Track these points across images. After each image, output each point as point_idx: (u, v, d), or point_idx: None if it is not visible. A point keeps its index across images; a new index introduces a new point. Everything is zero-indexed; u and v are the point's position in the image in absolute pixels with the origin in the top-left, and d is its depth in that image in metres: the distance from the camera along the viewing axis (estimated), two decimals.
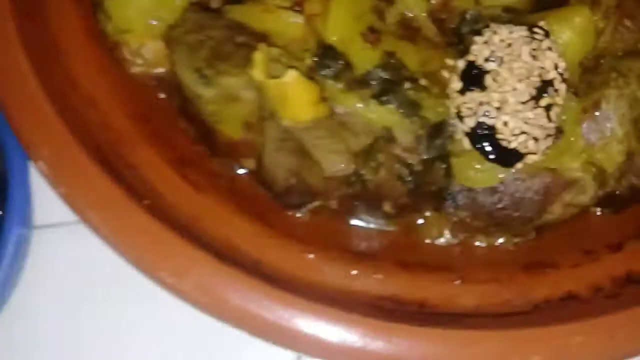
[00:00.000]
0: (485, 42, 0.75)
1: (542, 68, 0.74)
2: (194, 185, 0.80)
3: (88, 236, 0.74)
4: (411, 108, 0.76)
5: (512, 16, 0.79)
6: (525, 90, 0.73)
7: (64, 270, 0.84)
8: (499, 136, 0.73)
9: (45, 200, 0.81)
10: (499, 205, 0.79)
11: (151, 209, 0.75)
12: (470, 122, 0.74)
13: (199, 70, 0.76)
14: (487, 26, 0.76)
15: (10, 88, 0.77)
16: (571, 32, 0.77)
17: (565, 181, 0.78)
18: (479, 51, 0.74)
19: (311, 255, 0.79)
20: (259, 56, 0.73)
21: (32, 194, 0.82)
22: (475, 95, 0.74)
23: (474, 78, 0.74)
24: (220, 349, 0.81)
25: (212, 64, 0.76)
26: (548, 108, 0.74)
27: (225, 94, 0.76)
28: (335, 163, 0.76)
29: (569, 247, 0.81)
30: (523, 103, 0.73)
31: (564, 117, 0.77)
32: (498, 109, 0.73)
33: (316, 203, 0.81)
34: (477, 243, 0.82)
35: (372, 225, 0.83)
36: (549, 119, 0.74)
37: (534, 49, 0.74)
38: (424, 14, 0.80)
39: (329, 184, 0.78)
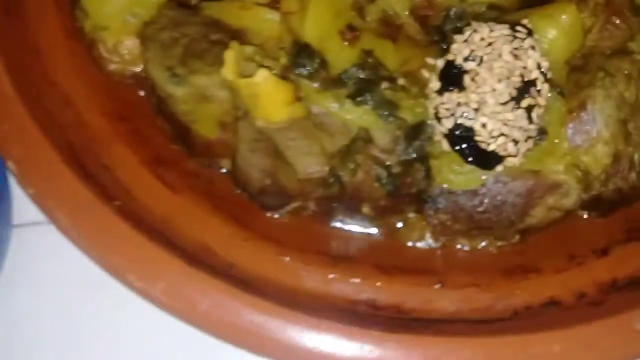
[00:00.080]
0: (465, 41, 0.72)
1: (524, 68, 0.71)
2: (169, 186, 0.79)
3: None
4: (388, 108, 0.74)
5: (497, 13, 0.77)
6: (505, 90, 0.71)
7: (44, 269, 0.83)
8: (477, 138, 0.71)
9: (24, 198, 0.80)
10: (480, 209, 0.76)
11: (122, 210, 0.74)
12: (448, 124, 0.72)
13: (170, 68, 0.75)
14: (468, 24, 0.73)
15: None
16: (557, 30, 0.74)
17: (549, 184, 0.76)
18: (458, 50, 0.72)
19: (287, 258, 0.77)
20: (230, 55, 0.71)
21: (11, 193, 0.82)
22: (453, 96, 0.71)
23: (452, 78, 0.72)
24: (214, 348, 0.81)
25: (185, 62, 0.75)
26: (529, 109, 0.72)
27: (198, 93, 0.75)
28: (309, 165, 0.74)
29: (553, 252, 0.79)
30: (503, 104, 0.71)
31: (547, 118, 0.74)
32: (476, 110, 0.71)
33: (294, 204, 0.80)
34: (458, 246, 0.80)
35: (352, 228, 0.81)
36: (530, 120, 0.72)
37: (515, 48, 0.71)
38: (406, 12, 0.78)
39: (304, 185, 0.77)
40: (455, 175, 0.75)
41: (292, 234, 0.80)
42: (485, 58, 0.71)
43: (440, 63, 0.73)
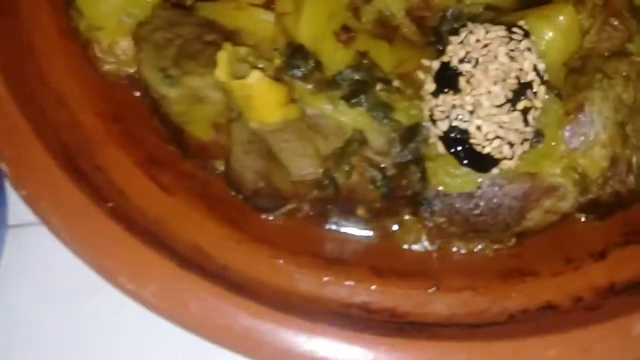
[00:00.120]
0: (461, 43, 0.71)
1: (520, 69, 0.71)
2: (163, 187, 0.78)
3: None
4: (383, 110, 0.73)
5: (494, 14, 0.76)
6: (501, 93, 0.70)
7: (39, 269, 0.83)
8: (472, 141, 0.70)
9: (20, 199, 0.81)
10: (476, 211, 0.76)
11: (115, 212, 0.74)
12: (442, 126, 0.71)
13: (163, 69, 0.74)
14: (464, 25, 0.73)
15: None
16: (554, 31, 0.73)
17: (545, 187, 0.75)
18: (454, 52, 0.71)
19: (281, 261, 0.77)
20: (223, 56, 0.70)
21: (7, 193, 0.82)
22: (448, 98, 0.71)
23: (447, 80, 0.71)
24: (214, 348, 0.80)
25: (178, 63, 0.74)
26: (525, 111, 0.71)
27: (191, 95, 0.74)
28: (303, 167, 0.74)
29: (550, 255, 0.78)
30: (498, 106, 0.70)
31: (544, 120, 0.73)
32: (471, 112, 0.70)
33: (289, 206, 0.79)
34: (454, 249, 0.79)
35: (347, 230, 0.80)
36: (526, 122, 0.71)
37: (511, 50, 0.71)
38: (402, 12, 0.77)
39: (298, 187, 0.76)
40: (450, 178, 0.74)
41: (286, 236, 0.79)
42: (480, 60, 0.70)
43: (435, 65, 0.72)
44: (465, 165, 0.72)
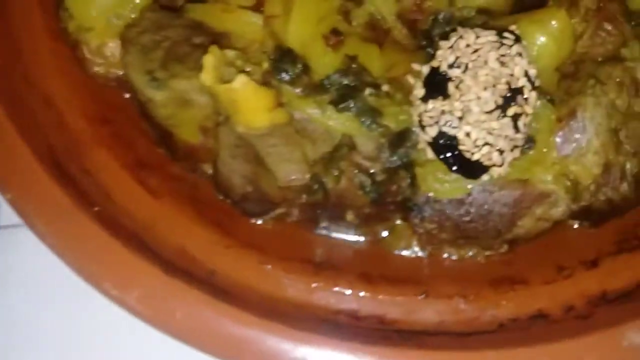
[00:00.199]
0: (451, 47, 0.70)
1: (511, 75, 0.69)
2: (150, 191, 0.78)
3: None
4: (371, 115, 0.72)
5: (486, 18, 0.75)
6: (491, 98, 0.69)
7: (32, 269, 0.83)
8: (461, 147, 0.69)
9: None
10: (466, 218, 0.75)
11: (101, 216, 0.73)
12: (431, 132, 0.70)
13: (150, 72, 0.73)
14: (455, 30, 0.72)
15: None
16: (546, 36, 0.72)
17: (537, 194, 0.74)
18: (443, 57, 0.70)
19: (269, 266, 0.76)
20: (209, 59, 0.70)
21: None
22: (437, 104, 0.70)
23: (436, 85, 0.70)
24: None
25: (165, 66, 0.74)
26: (516, 118, 0.70)
27: (178, 98, 0.74)
28: (290, 172, 0.73)
29: (542, 263, 0.77)
30: (488, 112, 0.69)
31: (536, 126, 0.72)
32: (460, 118, 0.69)
33: (278, 211, 0.78)
34: (445, 255, 0.78)
35: (337, 235, 0.79)
36: (517, 129, 0.70)
37: (502, 55, 0.69)
38: (394, 16, 0.76)
39: (286, 192, 0.75)
40: (440, 184, 0.73)
41: (275, 240, 0.78)
42: (470, 65, 0.69)
43: (425, 69, 0.71)
44: (455, 171, 0.71)
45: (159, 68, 0.73)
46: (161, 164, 0.80)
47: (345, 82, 0.72)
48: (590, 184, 0.74)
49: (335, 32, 0.74)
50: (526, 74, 0.70)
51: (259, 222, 0.79)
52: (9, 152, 0.73)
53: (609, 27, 0.73)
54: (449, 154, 0.70)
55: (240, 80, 0.69)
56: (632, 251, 0.76)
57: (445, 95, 0.69)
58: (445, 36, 0.72)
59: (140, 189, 0.77)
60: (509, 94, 0.69)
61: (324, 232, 0.79)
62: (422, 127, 0.71)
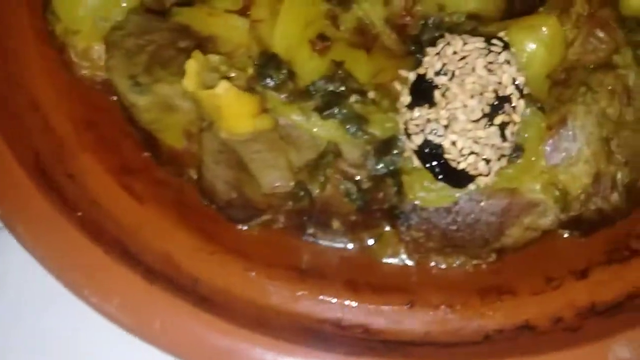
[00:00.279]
0: (438, 54, 0.69)
1: (499, 83, 0.68)
2: (135, 196, 0.77)
3: None
4: (357, 123, 0.71)
5: (476, 24, 0.73)
6: (477, 107, 0.67)
7: (25, 270, 0.82)
8: (447, 156, 0.68)
9: None
10: (453, 227, 0.73)
11: (83, 221, 0.72)
12: (417, 140, 0.69)
13: (133, 77, 0.72)
14: (442, 36, 0.70)
15: None
16: (537, 43, 0.70)
17: (525, 203, 0.72)
18: (430, 64, 0.69)
19: (254, 273, 0.75)
20: (191, 65, 0.69)
21: None
22: (423, 111, 0.68)
23: (423, 93, 0.69)
24: None
25: (149, 71, 0.73)
26: (503, 126, 0.68)
27: (162, 103, 0.73)
28: (273, 179, 0.72)
29: (530, 272, 0.76)
30: (474, 121, 0.67)
31: (526, 135, 0.71)
32: (446, 127, 0.68)
33: (264, 217, 0.77)
34: (433, 264, 0.77)
35: (324, 242, 0.78)
36: (504, 138, 0.68)
37: (490, 62, 0.68)
38: (382, 21, 0.75)
39: (271, 199, 0.74)
40: (427, 192, 0.72)
41: (261, 247, 0.77)
42: (457, 72, 0.68)
43: (412, 76, 0.70)
44: (441, 180, 0.70)
45: (142, 72, 0.73)
46: (146, 169, 0.79)
47: (331, 88, 0.71)
48: (580, 193, 0.72)
49: (322, 37, 0.73)
50: (514, 82, 0.69)
51: (245, 228, 0.78)
52: None
53: (600, 33, 0.72)
54: (434, 163, 0.69)
55: (223, 86, 0.68)
56: (623, 262, 0.75)
57: (432, 103, 0.68)
58: (433, 42, 0.71)
59: (125, 194, 0.77)
60: (496, 102, 0.68)
61: (310, 239, 0.78)
62: (408, 135, 0.70)
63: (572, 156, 0.71)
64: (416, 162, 0.71)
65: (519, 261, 0.76)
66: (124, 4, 0.77)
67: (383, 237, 0.78)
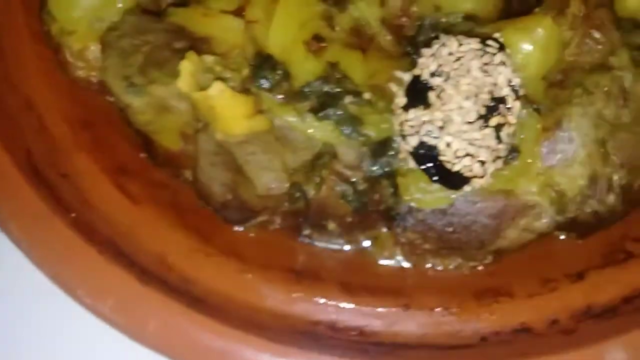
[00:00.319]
0: (433, 55, 0.69)
1: (494, 84, 0.68)
2: (130, 197, 0.76)
3: None
4: (352, 124, 0.71)
5: (472, 25, 0.73)
6: (473, 108, 0.67)
7: (22, 271, 0.82)
8: (441, 158, 0.68)
9: None
10: (449, 228, 0.73)
11: (77, 222, 0.72)
12: (412, 142, 0.69)
13: (128, 78, 0.72)
14: (437, 37, 0.70)
15: None
16: (532, 44, 0.70)
17: (521, 205, 0.72)
18: (425, 65, 0.69)
19: (250, 275, 0.75)
20: (186, 66, 0.68)
21: None
22: (418, 113, 0.68)
23: (417, 94, 0.68)
24: None
25: (144, 72, 0.73)
26: (498, 128, 0.68)
27: (157, 104, 0.73)
28: (268, 181, 0.72)
29: (527, 275, 0.75)
30: (469, 123, 0.67)
31: (522, 136, 0.71)
32: (441, 128, 0.67)
33: (260, 218, 0.77)
34: (429, 266, 0.77)
35: (320, 244, 0.78)
36: (499, 139, 0.68)
37: (485, 64, 0.68)
38: (378, 21, 0.75)
39: (266, 201, 0.74)
40: (422, 194, 0.72)
41: (257, 249, 0.77)
42: (452, 74, 0.67)
43: (407, 77, 0.70)
44: (435, 182, 0.70)
45: (137, 73, 0.72)
46: (143, 170, 0.79)
47: (326, 89, 0.71)
48: (576, 195, 0.72)
49: (317, 38, 0.73)
50: (510, 83, 0.68)
51: (241, 229, 0.78)
52: None
53: (597, 35, 0.71)
54: (429, 164, 0.69)
55: (217, 88, 0.68)
56: (619, 264, 0.75)
57: (427, 105, 0.68)
58: (429, 43, 0.71)
59: (120, 195, 0.76)
60: (491, 104, 0.68)
61: (306, 240, 0.78)
62: (403, 137, 0.69)
63: (568, 158, 0.71)
64: (412, 164, 0.71)
65: (515, 263, 0.76)
66: (120, 5, 0.77)
67: (379, 239, 0.77)
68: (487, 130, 0.68)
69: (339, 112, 0.71)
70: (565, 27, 0.71)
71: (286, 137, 0.72)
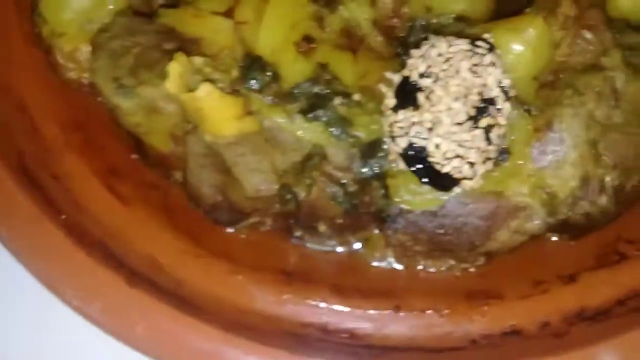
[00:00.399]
0: (422, 56, 0.68)
1: (484, 85, 0.67)
2: (121, 198, 0.76)
3: None
4: (341, 125, 0.71)
5: (463, 26, 0.73)
6: (462, 109, 0.67)
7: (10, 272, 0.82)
8: (431, 159, 0.67)
9: None
10: (440, 230, 0.73)
11: (67, 224, 0.72)
12: (402, 143, 0.68)
13: (117, 79, 0.72)
14: (426, 38, 0.70)
15: None
16: (523, 44, 0.70)
17: (512, 207, 0.71)
18: (414, 66, 0.68)
19: (240, 277, 0.75)
20: (174, 67, 0.68)
21: None
22: (408, 114, 0.68)
23: (407, 95, 0.68)
24: None
25: (134, 73, 0.72)
26: (488, 129, 0.68)
27: (146, 105, 0.72)
28: (257, 182, 0.71)
29: (518, 276, 0.75)
30: (459, 124, 0.67)
31: (512, 137, 0.70)
32: (430, 129, 0.67)
33: (251, 220, 0.77)
34: (420, 268, 0.76)
35: (311, 245, 0.78)
36: (489, 141, 0.68)
37: (475, 65, 0.67)
38: (369, 22, 0.74)
39: (256, 202, 0.74)
40: (412, 196, 0.71)
41: (248, 250, 0.77)
42: (441, 75, 0.67)
43: (396, 79, 0.69)
44: (425, 183, 0.69)
45: (126, 75, 0.72)
46: (133, 171, 0.79)
47: (316, 90, 0.71)
48: (568, 197, 0.71)
49: (307, 39, 0.72)
50: (500, 84, 0.68)
51: (232, 231, 0.77)
52: None
53: (588, 35, 0.71)
54: (419, 166, 0.68)
55: (205, 89, 0.67)
56: (612, 266, 0.74)
57: (416, 106, 0.68)
58: (418, 44, 0.70)
59: (111, 196, 0.76)
60: (481, 105, 0.67)
61: (298, 242, 0.78)
62: (393, 138, 0.69)
63: (559, 159, 0.71)
64: (401, 165, 0.70)
65: (506, 265, 0.75)
66: (111, 6, 0.77)
67: (370, 241, 0.77)
68: (477, 132, 0.67)
69: (328, 114, 0.70)
70: (556, 28, 0.71)
71: (276, 138, 0.72)
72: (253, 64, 0.71)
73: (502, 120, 0.68)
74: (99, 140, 0.79)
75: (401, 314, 0.74)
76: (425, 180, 0.69)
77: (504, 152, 0.70)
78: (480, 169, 0.68)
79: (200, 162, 0.73)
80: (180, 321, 0.68)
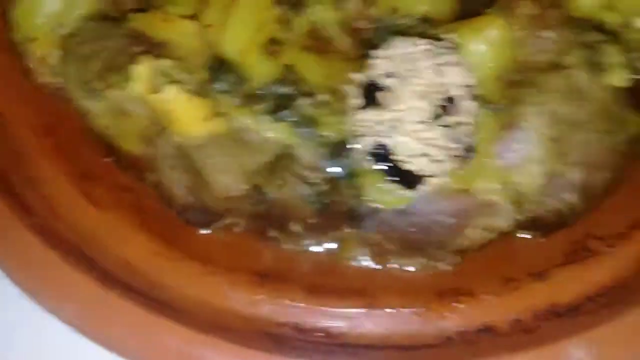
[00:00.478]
0: (387, 57, 0.69)
1: (447, 84, 0.68)
2: (94, 202, 0.77)
3: None
4: (308, 125, 0.71)
5: (428, 26, 0.73)
6: (427, 108, 0.67)
7: None
8: (395, 157, 0.68)
9: None
10: (411, 229, 0.73)
11: (40, 227, 0.72)
12: (367, 142, 0.69)
13: (86, 83, 0.73)
14: (392, 39, 0.70)
15: None
16: (485, 44, 0.70)
17: (479, 204, 0.72)
18: (379, 66, 0.69)
19: (214, 278, 0.75)
20: (139, 69, 0.69)
21: None
22: (372, 113, 0.68)
23: (370, 95, 0.69)
24: None
25: (102, 77, 0.73)
26: (452, 127, 0.68)
27: (114, 108, 0.73)
28: (225, 183, 0.72)
29: (489, 274, 0.75)
30: (422, 122, 0.67)
31: (477, 136, 0.71)
32: (394, 128, 0.68)
33: (225, 221, 0.77)
34: (394, 266, 0.77)
35: (285, 246, 0.78)
36: (454, 139, 0.68)
37: (438, 64, 0.68)
38: (335, 24, 0.75)
39: (227, 203, 0.74)
40: (381, 195, 0.72)
41: (223, 251, 0.77)
42: (404, 74, 0.68)
43: (362, 79, 0.70)
44: (392, 182, 0.70)
45: (96, 78, 0.73)
46: (107, 174, 0.79)
47: (282, 91, 0.72)
48: (534, 194, 0.72)
49: (273, 41, 0.73)
50: (463, 83, 0.69)
51: (206, 232, 0.78)
52: None
53: (550, 34, 0.71)
54: (385, 164, 0.69)
55: (171, 91, 0.68)
56: (582, 262, 0.74)
57: (380, 105, 0.68)
58: (384, 45, 0.71)
59: (84, 200, 0.77)
60: (444, 104, 0.68)
61: (272, 242, 0.78)
62: (359, 137, 0.70)
63: (524, 157, 0.71)
64: (369, 164, 0.71)
65: (477, 263, 0.75)
66: (81, 11, 0.78)
67: (344, 240, 0.77)
68: (442, 130, 0.68)
69: (295, 114, 0.71)
70: (517, 27, 0.71)
71: (244, 139, 0.72)
72: (220, 66, 0.72)
73: (466, 119, 0.69)
74: (71, 144, 0.80)
75: (376, 312, 0.74)
76: (391, 178, 0.70)
77: (470, 150, 0.71)
78: (446, 166, 0.69)
79: (171, 163, 0.73)
80: (155, 323, 0.68)
